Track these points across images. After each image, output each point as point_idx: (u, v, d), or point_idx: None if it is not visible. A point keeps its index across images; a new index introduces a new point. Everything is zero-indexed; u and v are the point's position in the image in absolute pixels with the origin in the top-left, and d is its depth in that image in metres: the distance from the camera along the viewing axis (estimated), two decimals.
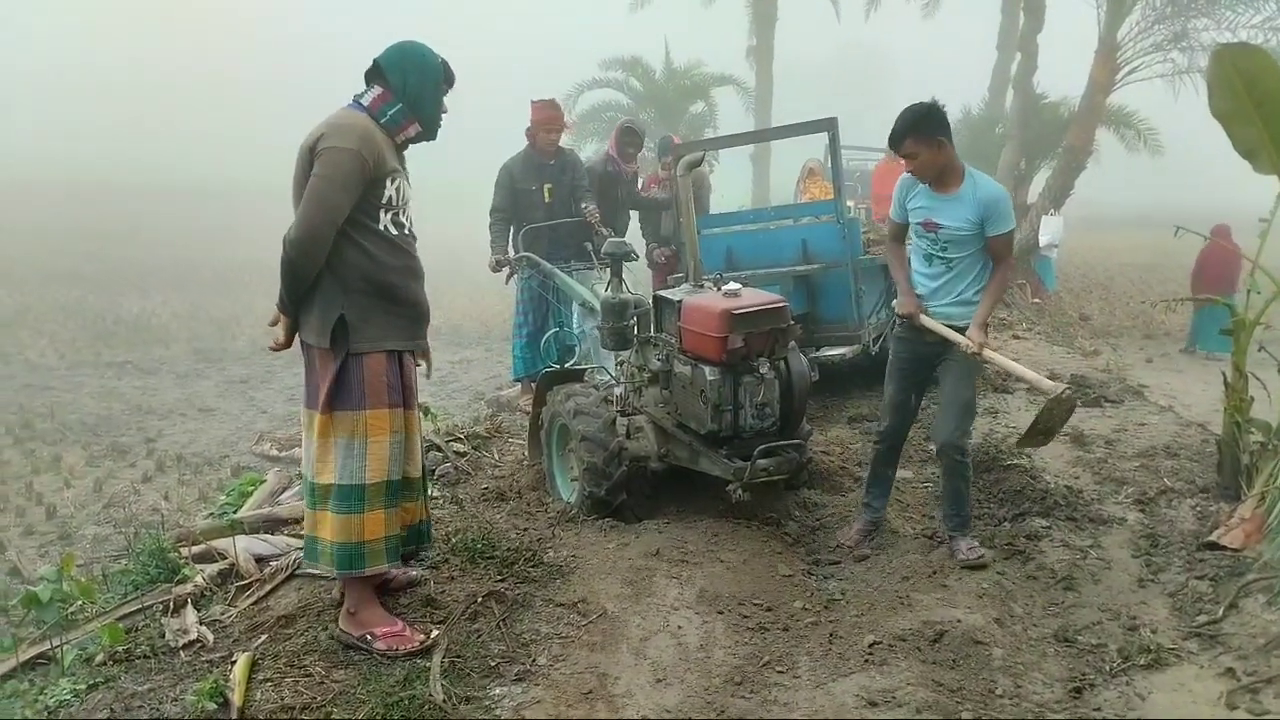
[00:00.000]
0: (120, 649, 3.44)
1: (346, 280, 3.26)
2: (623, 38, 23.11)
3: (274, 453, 8.48)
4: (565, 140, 7.77)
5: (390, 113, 3.35)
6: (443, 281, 20.38)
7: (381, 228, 3.31)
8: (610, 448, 4.55)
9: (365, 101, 3.35)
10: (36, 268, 21.64)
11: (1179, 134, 17.47)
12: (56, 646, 3.44)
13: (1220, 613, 3.55)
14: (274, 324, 3.41)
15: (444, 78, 3.47)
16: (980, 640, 3.45)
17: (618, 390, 5.04)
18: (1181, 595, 3.78)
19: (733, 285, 4.55)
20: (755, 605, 3.76)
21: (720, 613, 3.67)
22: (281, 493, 5.53)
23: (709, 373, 4.30)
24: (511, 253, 7.17)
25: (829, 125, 6.45)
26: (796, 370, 4.50)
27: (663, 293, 5.01)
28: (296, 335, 3.40)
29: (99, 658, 3.39)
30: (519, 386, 7.86)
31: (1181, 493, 4.90)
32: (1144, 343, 13.59)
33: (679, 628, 3.55)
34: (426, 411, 6.00)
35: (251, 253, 22.77)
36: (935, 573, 4.04)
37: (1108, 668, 3.32)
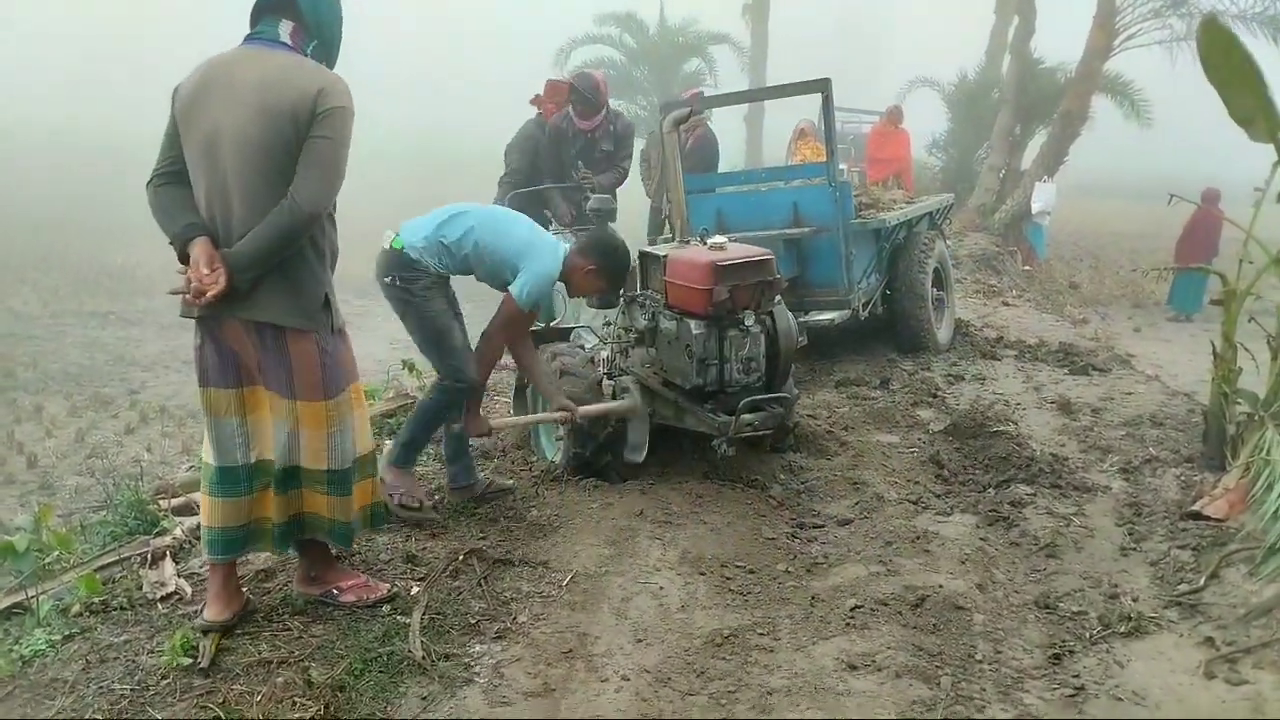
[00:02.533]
0: (97, 600, 3.41)
1: (324, 253, 3.02)
2: None
3: None
4: None
5: (309, 50, 3.00)
6: None
7: None
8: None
9: (285, 38, 2.93)
10: (19, 216, 21.37)
11: (1177, 100, 17.37)
12: (32, 597, 3.41)
13: (1201, 582, 3.55)
14: (210, 272, 2.78)
15: (341, 11, 3.14)
16: (961, 606, 3.44)
17: (604, 352, 5.00)
18: (1163, 564, 3.78)
19: (718, 239, 4.52)
20: (738, 568, 3.75)
21: (702, 574, 3.66)
22: None
23: (694, 326, 4.28)
24: None
25: (823, 86, 6.36)
26: (783, 326, 4.48)
27: (648, 249, 4.96)
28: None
29: (75, 609, 3.36)
30: None
31: (1166, 462, 4.90)
32: (1132, 312, 13.61)
33: (660, 588, 3.54)
34: (410, 368, 5.95)
35: None
36: (918, 538, 4.03)
37: (1088, 635, 3.32)
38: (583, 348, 5.01)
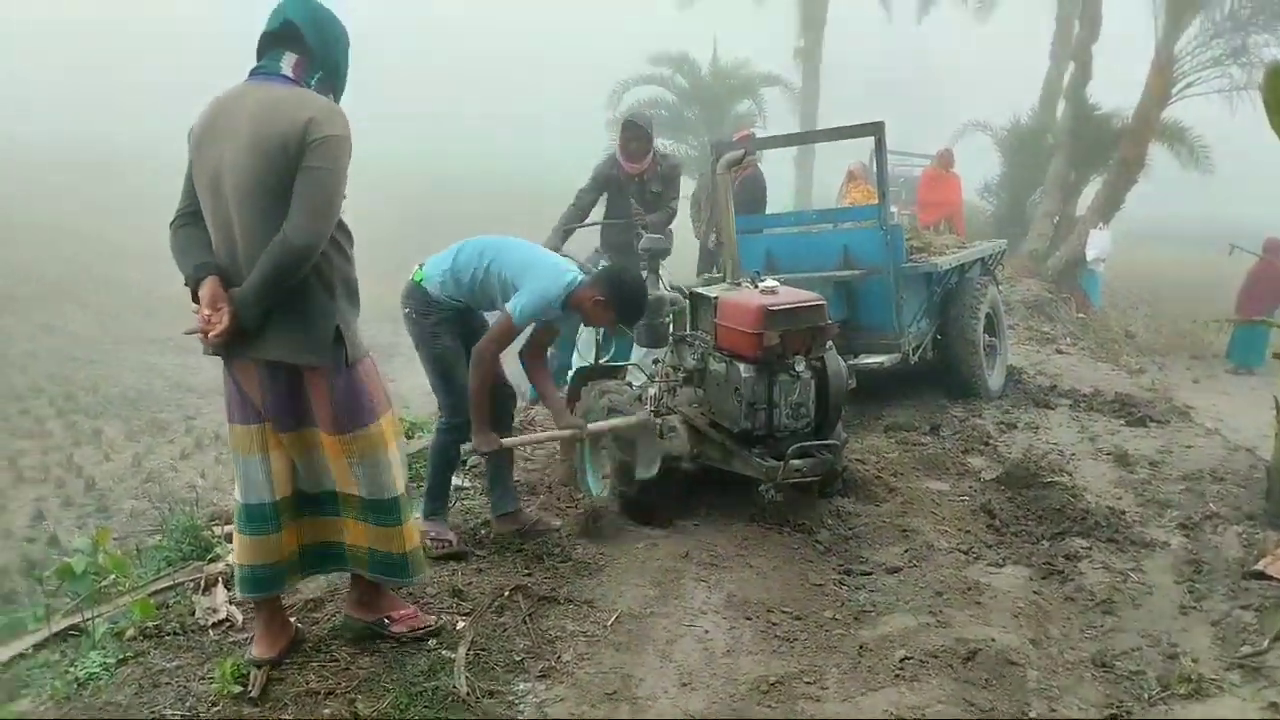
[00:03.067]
0: (151, 624, 3.46)
1: (334, 286, 2.95)
2: (671, 35, 23.00)
3: None
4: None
5: (313, 81, 2.95)
6: None
7: (340, 217, 2.99)
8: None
9: (287, 71, 2.90)
10: (83, 242, 22.00)
11: (1236, 149, 17.10)
12: (88, 619, 3.47)
13: (1265, 644, 3.45)
14: (213, 312, 2.80)
15: (349, 40, 3.10)
16: (1015, 661, 3.37)
17: (651, 390, 5.01)
18: (1225, 624, 3.68)
19: (770, 282, 4.52)
20: (784, 613, 3.70)
21: (748, 619, 3.63)
22: None
23: (744, 370, 4.27)
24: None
25: (875, 129, 6.36)
26: (833, 371, 4.45)
27: (699, 290, 4.98)
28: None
29: (129, 632, 3.41)
30: None
31: (1227, 519, 4.78)
32: (1191, 363, 13.32)
33: (706, 632, 3.51)
34: None
35: None
36: (970, 589, 3.96)
37: (1146, 696, 3.23)
38: (631, 385, 5.02)
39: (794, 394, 4.32)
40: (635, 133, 7.05)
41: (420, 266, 4.20)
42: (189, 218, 2.95)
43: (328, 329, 2.91)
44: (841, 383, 4.51)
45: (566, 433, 4.47)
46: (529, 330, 4.23)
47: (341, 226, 2.94)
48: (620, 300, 4.20)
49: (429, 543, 4.11)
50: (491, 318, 4.25)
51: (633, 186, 7.14)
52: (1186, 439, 6.32)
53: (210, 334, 2.80)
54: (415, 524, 3.27)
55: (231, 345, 2.85)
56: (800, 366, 4.31)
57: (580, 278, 4.21)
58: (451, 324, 4.19)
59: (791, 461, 4.21)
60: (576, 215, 7.05)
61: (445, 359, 4.17)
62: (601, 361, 5.83)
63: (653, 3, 26.39)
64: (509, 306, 4.03)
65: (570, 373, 5.67)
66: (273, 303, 2.81)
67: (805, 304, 4.34)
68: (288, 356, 2.89)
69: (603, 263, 6.82)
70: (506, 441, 4.42)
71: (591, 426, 4.45)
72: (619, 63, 22.71)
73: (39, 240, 23.04)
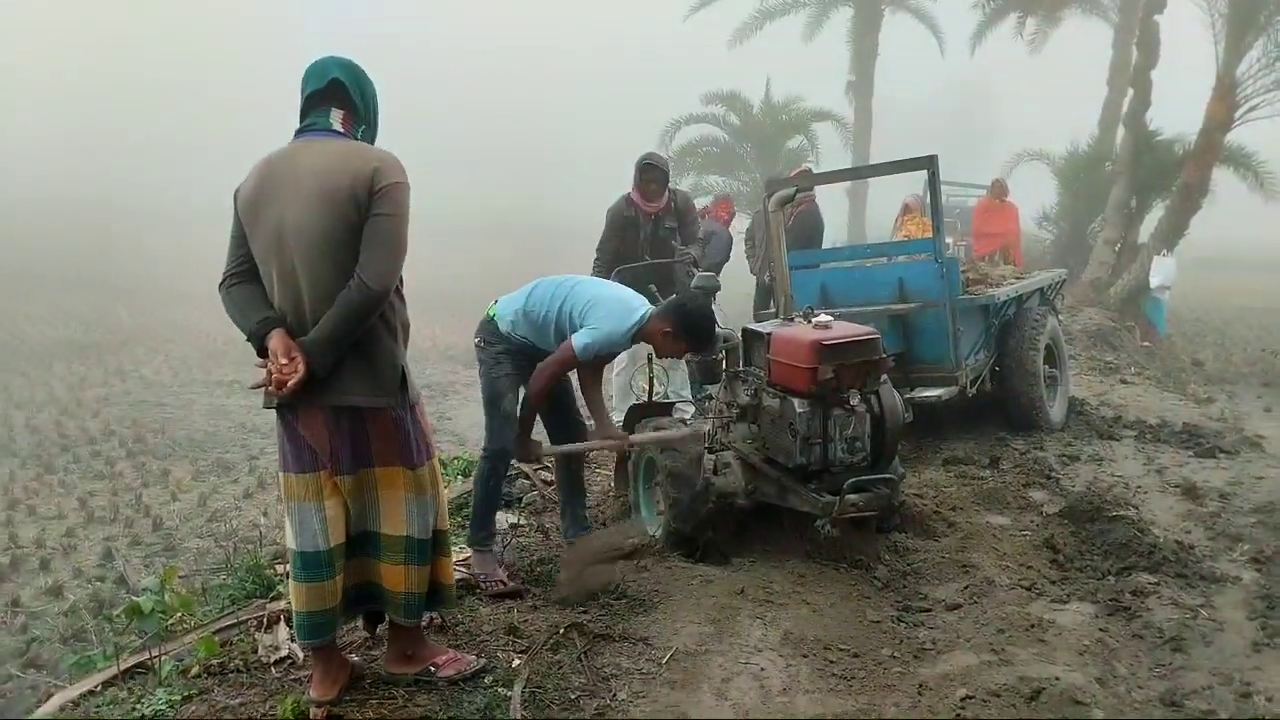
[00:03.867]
0: (215, 662, 3.53)
1: (396, 329, 3.05)
2: (723, 74, 23.24)
3: None
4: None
5: (358, 136, 3.08)
6: None
7: None
8: (697, 484, 4.48)
9: (338, 127, 3.02)
10: (156, 289, 22.74)
11: None
12: (155, 657, 3.55)
13: None
14: (288, 362, 2.85)
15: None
16: (1080, 700, 3.28)
17: (705, 427, 5.01)
18: None
19: (824, 317, 4.51)
20: (841, 650, 3.66)
21: (805, 656, 3.59)
22: None
23: (798, 405, 4.26)
24: None
25: (929, 163, 6.34)
26: (889, 404, 4.41)
27: (752, 326, 4.99)
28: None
29: (194, 670, 3.48)
30: None
31: None
32: (1262, 391, 12.89)
33: (762, 670, 3.48)
34: None
35: None
36: (1033, 626, 3.87)
37: None
38: (684, 422, 5.02)
39: (849, 428, 4.29)
40: (654, 174, 6.98)
41: (495, 303, 4.49)
42: (241, 276, 3.02)
43: (396, 370, 3.00)
44: (897, 416, 4.47)
45: (610, 442, 4.68)
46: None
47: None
48: (689, 330, 4.35)
49: (482, 584, 4.20)
50: None
51: (648, 226, 7.10)
52: (1258, 470, 6.13)
53: (289, 384, 2.84)
54: (450, 563, 3.36)
55: (301, 394, 2.90)
56: (855, 400, 4.28)
57: (649, 312, 4.34)
58: (514, 358, 4.42)
59: (848, 496, 4.17)
60: (607, 267, 7.05)
61: (497, 386, 4.38)
62: (656, 397, 5.86)
63: (705, 42, 26.66)
64: (574, 339, 4.21)
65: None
66: (345, 347, 2.90)
67: (860, 338, 4.33)
68: (362, 400, 2.96)
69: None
70: (546, 450, 4.52)
71: (636, 438, 4.59)
72: (672, 103, 22.96)
73: (106, 287, 23.89)
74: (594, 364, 4.59)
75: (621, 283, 6.84)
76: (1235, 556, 4.69)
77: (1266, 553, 4.66)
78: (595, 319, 4.23)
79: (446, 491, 5.59)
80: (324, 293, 2.88)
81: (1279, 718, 3.15)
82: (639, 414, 5.14)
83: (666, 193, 7.08)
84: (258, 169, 2.98)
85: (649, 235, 7.09)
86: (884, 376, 4.48)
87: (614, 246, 7.11)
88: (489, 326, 4.46)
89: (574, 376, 4.65)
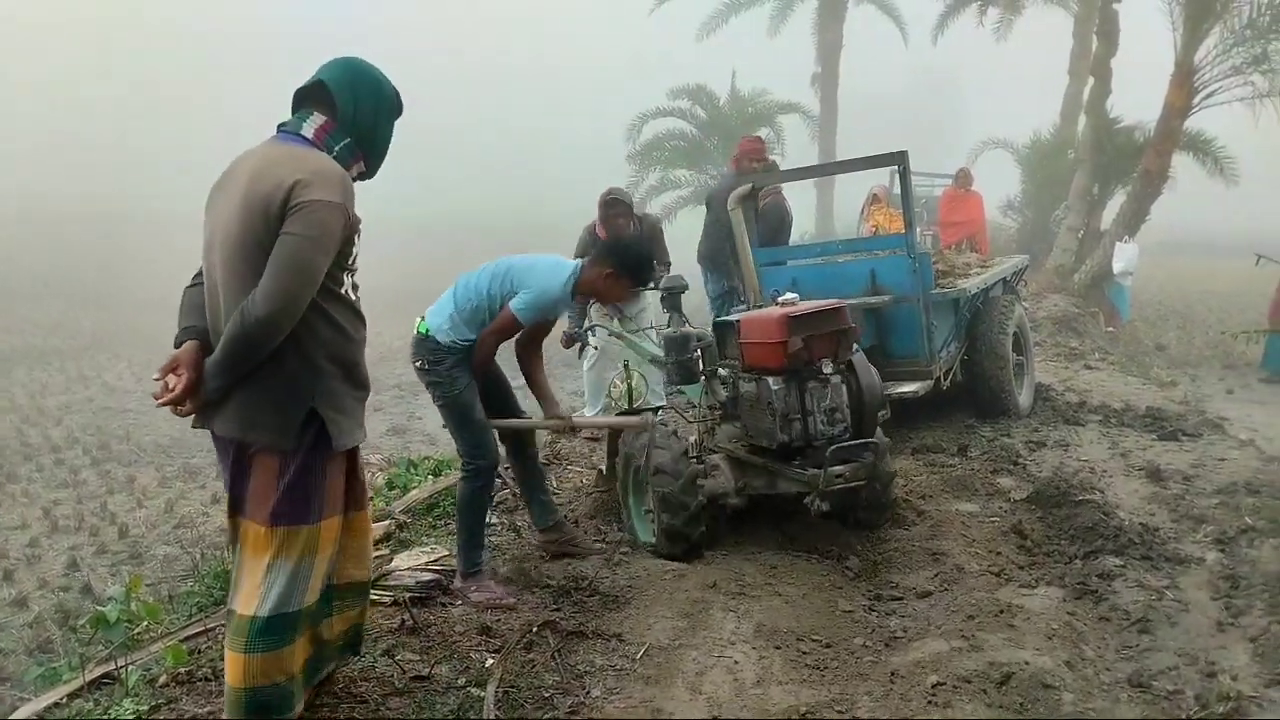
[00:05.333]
0: (183, 670, 3.48)
1: (316, 362, 2.65)
2: (689, 67, 23.23)
3: None
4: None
5: (338, 147, 2.74)
6: None
7: (344, 292, 2.74)
8: (684, 475, 4.43)
9: (308, 133, 2.72)
10: (119, 294, 22.43)
11: (1260, 157, 16.96)
12: (121, 667, 3.50)
13: None
14: (174, 374, 2.61)
15: (396, 109, 2.93)
16: (1049, 684, 3.31)
17: (692, 437, 4.99)
18: (1264, 640, 3.60)
19: (790, 296, 4.55)
20: (814, 641, 3.67)
21: (778, 648, 3.60)
22: None
23: (773, 383, 4.28)
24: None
25: (899, 159, 6.33)
26: (864, 374, 4.45)
27: (722, 318, 5.01)
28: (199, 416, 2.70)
29: (162, 679, 3.44)
30: None
31: (1264, 532, 4.69)
32: (1224, 373, 13.10)
33: (735, 662, 3.49)
34: None
35: None
36: (1002, 611, 3.91)
37: (1184, 715, 3.17)
38: (665, 424, 4.95)
39: (826, 399, 4.31)
40: (619, 209, 6.96)
41: (422, 319, 4.27)
42: (201, 278, 2.83)
43: (296, 410, 2.62)
44: (874, 384, 4.48)
45: (552, 422, 4.58)
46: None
47: (343, 302, 2.73)
48: (626, 263, 4.29)
49: (483, 604, 4.03)
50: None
51: None
52: (1220, 452, 6.22)
53: (160, 400, 2.61)
54: (307, 637, 2.80)
55: (199, 417, 2.69)
56: (828, 369, 4.30)
57: (580, 264, 4.30)
58: (466, 364, 4.25)
59: (833, 468, 4.18)
60: (583, 303, 7.01)
61: (463, 399, 4.21)
62: (636, 404, 5.83)
63: (671, 36, 26.68)
64: (512, 303, 4.13)
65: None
66: (239, 375, 2.58)
67: (825, 308, 4.38)
68: (240, 433, 2.63)
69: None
70: (494, 423, 4.38)
71: (578, 420, 4.60)
72: (638, 96, 22.93)
73: (73, 295, 23.54)
74: (532, 334, 4.45)
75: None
76: (1199, 538, 4.75)
77: (1229, 533, 4.73)
78: (530, 280, 4.15)
79: (416, 493, 5.59)
80: (233, 309, 2.59)
81: (1243, 695, 3.20)
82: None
83: (632, 224, 7.04)
84: (228, 167, 2.81)
85: None
86: (856, 347, 4.51)
87: None
88: (427, 345, 4.19)
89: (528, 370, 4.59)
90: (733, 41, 24.52)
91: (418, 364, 4.25)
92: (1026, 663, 3.45)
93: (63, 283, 26.02)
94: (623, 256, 4.31)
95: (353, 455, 2.89)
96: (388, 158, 2.97)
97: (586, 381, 7.60)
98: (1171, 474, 5.77)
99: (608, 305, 6.82)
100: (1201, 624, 3.83)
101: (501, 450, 4.49)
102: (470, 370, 4.25)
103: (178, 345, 2.70)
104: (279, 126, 2.79)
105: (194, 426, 2.74)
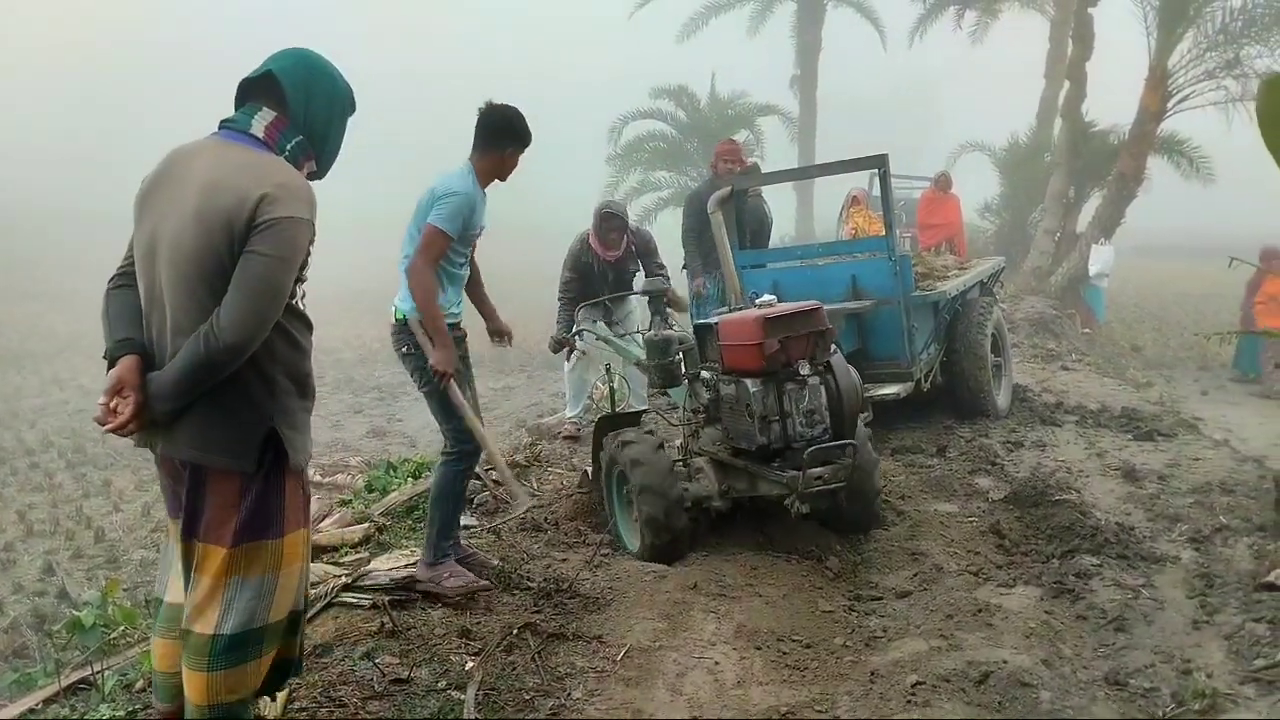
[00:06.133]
0: None
1: (275, 381, 2.50)
2: (669, 70, 23.26)
3: (316, 478, 8.55)
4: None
5: (289, 146, 2.55)
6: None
7: (297, 303, 2.55)
8: (671, 496, 4.43)
9: (258, 131, 2.52)
10: (93, 297, 22.20)
11: (1234, 161, 17.16)
12: (98, 672, 3.47)
13: (1279, 657, 3.41)
14: (120, 396, 2.40)
15: (349, 106, 2.73)
16: (1027, 682, 3.34)
17: (677, 441, 4.99)
18: (1238, 638, 3.65)
19: (768, 297, 4.56)
20: (794, 641, 3.69)
21: (758, 649, 3.61)
22: (321, 520, 5.56)
23: (751, 385, 4.28)
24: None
25: (879, 162, 6.37)
26: (843, 375, 4.44)
27: (701, 320, 5.01)
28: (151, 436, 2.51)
29: (139, 684, 3.41)
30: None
31: (1238, 530, 4.75)
32: (1199, 374, 13.25)
33: (716, 664, 3.50)
34: None
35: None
36: (980, 611, 3.94)
37: (1160, 713, 3.20)
38: (652, 433, 4.95)
39: (804, 400, 4.30)
40: (613, 223, 6.98)
41: (394, 307, 4.20)
42: (128, 278, 2.58)
43: (255, 430, 2.46)
44: (853, 385, 4.47)
45: (480, 434, 4.19)
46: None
47: (296, 313, 2.55)
48: (501, 129, 4.13)
49: (451, 588, 4.02)
50: None
51: (610, 272, 7.11)
52: (1195, 451, 6.29)
53: (107, 426, 2.41)
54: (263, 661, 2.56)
55: (144, 436, 2.50)
56: (806, 370, 4.30)
57: (470, 162, 4.19)
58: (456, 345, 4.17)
59: (811, 470, 4.15)
60: (572, 304, 7.04)
61: (463, 381, 4.16)
62: (620, 409, 5.83)
63: (652, 38, 26.70)
64: (430, 219, 4.02)
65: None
66: (193, 398, 2.41)
67: (802, 309, 4.37)
68: (197, 456, 2.44)
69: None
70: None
71: (488, 447, 4.25)
72: (619, 98, 22.95)
73: (48, 296, 23.30)
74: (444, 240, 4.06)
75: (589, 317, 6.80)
76: (1174, 537, 4.80)
77: (1204, 532, 4.78)
78: (437, 200, 4.03)
79: (396, 495, 5.57)
80: (187, 325, 2.39)
81: (1219, 692, 3.23)
82: (607, 425, 5.06)
83: (626, 237, 7.06)
84: (161, 161, 2.56)
85: (611, 283, 7.11)
86: (834, 348, 4.52)
87: (578, 287, 7.10)
88: (406, 329, 4.13)
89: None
90: (713, 44, 24.59)
91: (403, 350, 4.17)
92: (1004, 661, 3.47)
93: (27, 283, 25.77)
94: (497, 123, 4.14)
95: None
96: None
97: (568, 383, 7.61)
98: (1147, 474, 5.83)
99: (596, 312, 6.84)
100: (1177, 622, 3.87)
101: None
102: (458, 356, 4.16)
103: (112, 358, 2.47)
104: (223, 123, 2.58)
105: (137, 445, 2.55)
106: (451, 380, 4.07)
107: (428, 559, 4.16)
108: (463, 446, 4.17)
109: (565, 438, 7.28)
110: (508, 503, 5.51)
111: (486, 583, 4.12)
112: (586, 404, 7.69)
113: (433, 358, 4.03)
